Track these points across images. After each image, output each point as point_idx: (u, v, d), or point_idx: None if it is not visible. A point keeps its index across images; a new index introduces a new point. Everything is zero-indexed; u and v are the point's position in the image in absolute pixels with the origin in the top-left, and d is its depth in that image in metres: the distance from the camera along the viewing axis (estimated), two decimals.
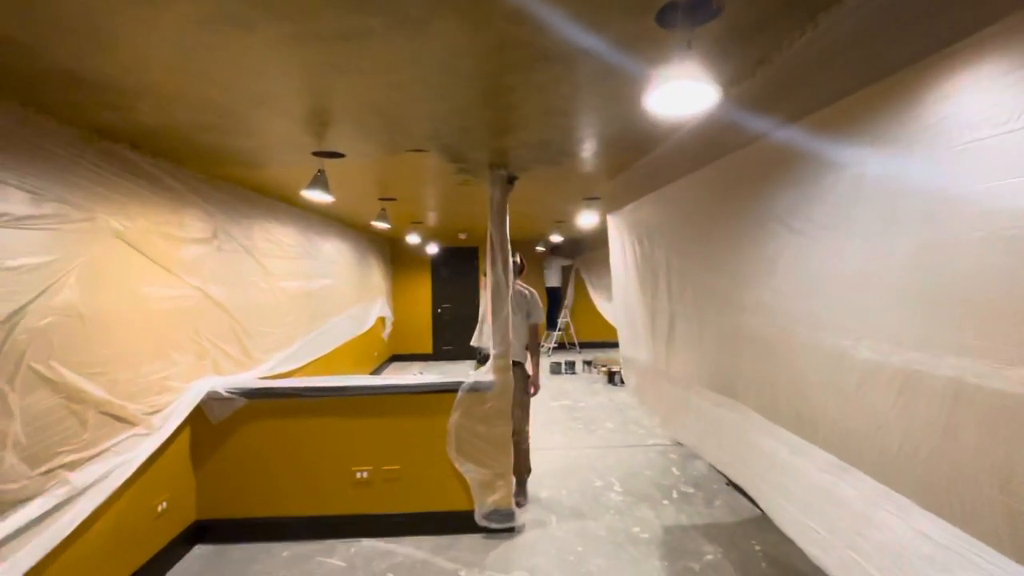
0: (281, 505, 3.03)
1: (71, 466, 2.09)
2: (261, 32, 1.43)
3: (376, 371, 7.79)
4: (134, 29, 1.39)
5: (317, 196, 2.80)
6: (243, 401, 2.98)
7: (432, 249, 8.54)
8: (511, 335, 3.52)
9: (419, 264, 9.00)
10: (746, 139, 1.72)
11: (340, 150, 2.71)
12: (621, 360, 3.69)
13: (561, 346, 9.34)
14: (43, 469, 1.96)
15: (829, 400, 1.38)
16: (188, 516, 2.93)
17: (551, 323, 9.23)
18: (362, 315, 6.89)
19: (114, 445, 2.33)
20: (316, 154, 2.73)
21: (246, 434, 3.02)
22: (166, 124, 2.18)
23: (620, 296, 3.50)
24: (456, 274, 9.01)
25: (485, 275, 3.77)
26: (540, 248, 9.17)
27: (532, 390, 3.43)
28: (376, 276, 7.97)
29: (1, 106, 1.82)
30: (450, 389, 3.05)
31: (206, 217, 3.14)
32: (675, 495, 3.51)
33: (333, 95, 1.92)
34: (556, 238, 7.92)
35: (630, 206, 3.07)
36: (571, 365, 7.59)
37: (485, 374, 3.06)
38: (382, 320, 8.19)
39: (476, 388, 3.02)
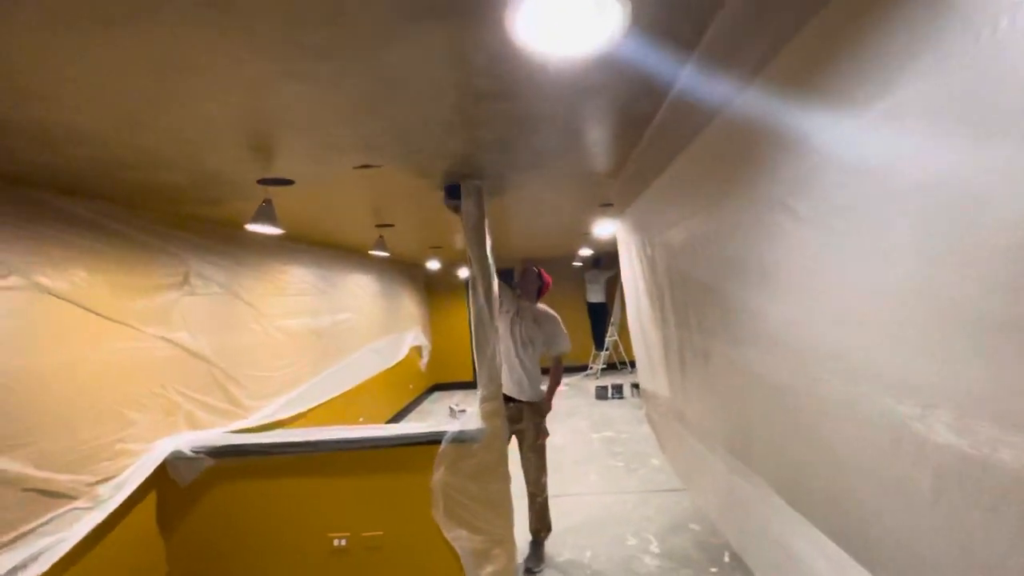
0: (257, 574, 2.69)
1: None
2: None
3: (414, 403, 7.50)
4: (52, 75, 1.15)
5: (263, 228, 2.50)
6: (209, 461, 2.69)
7: (464, 273, 8.25)
8: (522, 370, 3.05)
9: (454, 289, 8.72)
10: (711, 112, 1.19)
11: (288, 176, 2.40)
12: (641, 393, 3.08)
13: (611, 366, 8.65)
14: None
15: (883, 502, 0.81)
16: None
17: (598, 342, 8.59)
18: (391, 347, 6.64)
19: (42, 524, 2.08)
20: (262, 182, 2.44)
21: (216, 497, 2.72)
22: (81, 164, 1.96)
23: (634, 315, 2.93)
24: None
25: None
26: (577, 264, 8.61)
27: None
28: (409, 305, 7.75)
29: None
30: (434, 440, 2.60)
31: (173, 261, 2.94)
32: (726, 559, 2.81)
33: (271, 112, 1.61)
34: (586, 251, 7.35)
35: (632, 207, 2.52)
36: (618, 389, 6.91)
37: (470, 421, 2.59)
38: (418, 350, 7.94)
39: (461, 439, 2.56)
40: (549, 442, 3.18)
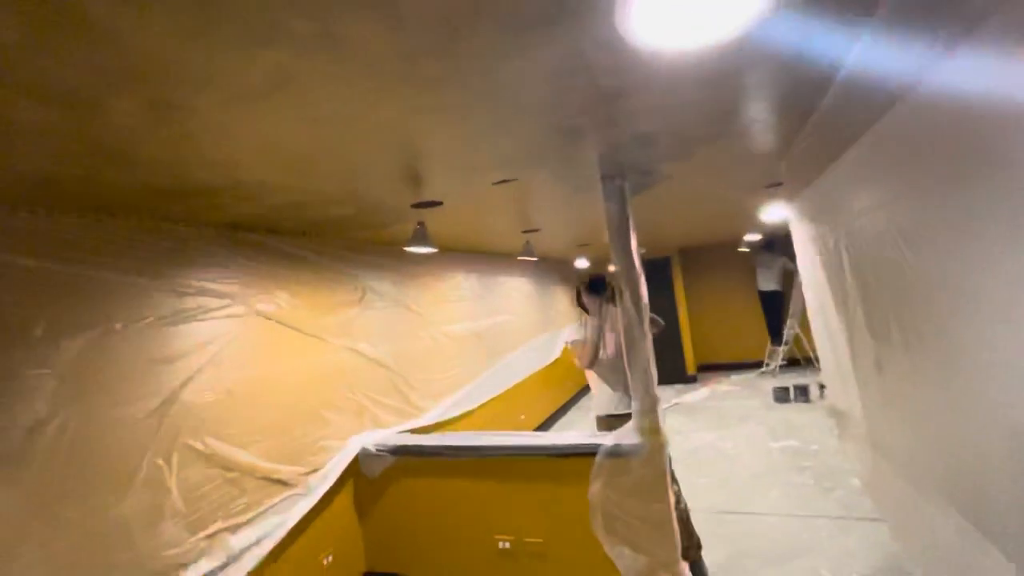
0: (433, 567, 2.94)
1: (230, 529, 2.32)
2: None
3: (572, 400, 7.53)
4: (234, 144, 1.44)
5: (419, 249, 2.69)
6: (391, 458, 3.02)
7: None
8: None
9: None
10: (906, 83, 0.86)
11: (436, 198, 2.55)
12: (830, 410, 2.57)
13: (792, 362, 7.55)
14: (204, 534, 2.21)
15: None
16: (358, 567, 3.07)
17: (774, 335, 7.57)
18: (547, 346, 6.74)
19: (272, 507, 2.54)
20: (415, 206, 2.63)
21: (399, 490, 3.05)
22: (273, 209, 2.33)
23: (816, 313, 2.45)
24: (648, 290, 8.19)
25: (586, 310, 3.30)
26: (743, 249, 7.68)
27: None
28: (561, 303, 7.79)
29: (143, 224, 2.16)
30: (590, 452, 2.53)
31: (351, 281, 3.36)
32: None
33: (409, 145, 1.74)
34: (752, 236, 6.48)
35: (809, 188, 2.09)
36: (803, 391, 5.97)
37: (627, 436, 2.44)
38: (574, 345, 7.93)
39: (617, 453, 2.43)
40: (716, 449, 2.92)
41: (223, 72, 1.07)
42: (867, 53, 1.05)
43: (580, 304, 3.47)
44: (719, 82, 1.43)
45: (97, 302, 1.97)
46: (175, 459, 2.14)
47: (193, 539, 2.16)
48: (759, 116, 1.80)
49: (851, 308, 1.61)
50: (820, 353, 2.59)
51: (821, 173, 1.82)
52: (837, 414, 2.50)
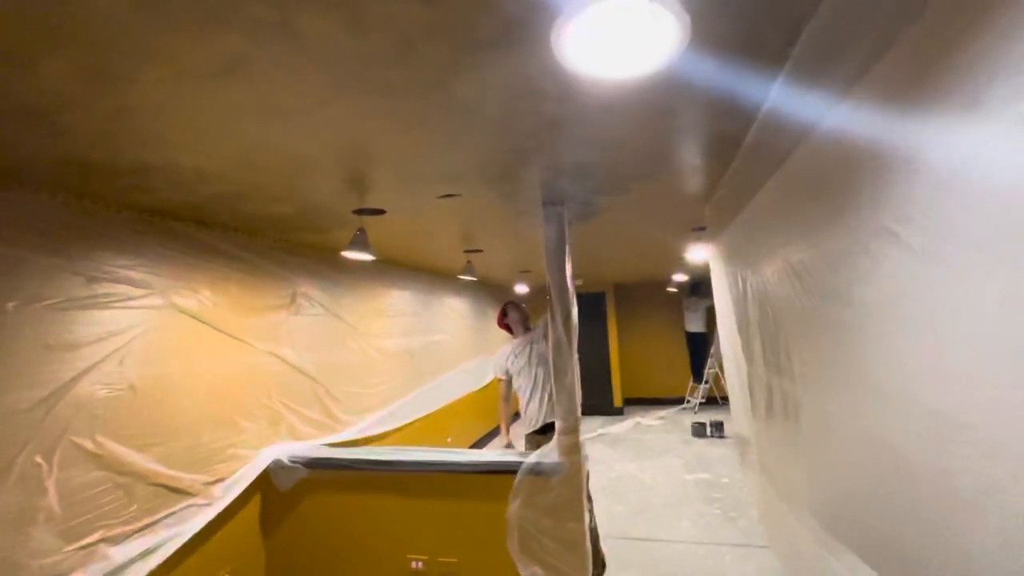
0: None
1: (113, 540, 2.11)
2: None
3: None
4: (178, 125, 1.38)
5: (357, 255, 2.67)
6: (304, 471, 2.89)
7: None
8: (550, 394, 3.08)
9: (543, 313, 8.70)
10: (804, 129, 1.04)
11: (379, 206, 2.56)
12: (736, 436, 2.78)
13: (711, 400, 8.01)
14: (82, 543, 2.00)
15: None
16: None
17: (697, 374, 8.02)
18: (480, 370, 6.74)
19: (166, 517, 2.34)
20: (357, 212, 2.62)
21: (310, 506, 2.90)
22: (208, 200, 2.24)
23: (727, 349, 2.66)
24: (581, 323, 8.45)
25: (510, 331, 3.54)
26: (672, 289, 8.17)
27: None
28: (498, 329, 7.85)
29: (57, 199, 2.01)
30: (512, 470, 2.55)
31: (282, 284, 3.25)
32: None
33: (357, 148, 1.75)
34: (680, 277, 6.93)
35: (724, 232, 2.32)
36: (718, 427, 6.34)
37: (548, 454, 2.50)
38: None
39: (538, 471, 2.47)
40: (635, 479, 3.09)
41: (173, 47, 1.07)
42: (779, 97, 1.22)
43: (504, 324, 3.61)
44: (649, 119, 1.59)
45: None
46: (57, 457, 1.95)
47: (68, 548, 1.95)
48: (687, 158, 1.99)
49: (751, 341, 1.79)
50: (728, 386, 2.81)
51: (734, 218, 2.03)
52: (741, 443, 2.69)
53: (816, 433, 1.23)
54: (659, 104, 1.46)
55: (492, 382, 6.95)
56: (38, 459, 1.88)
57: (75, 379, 2.02)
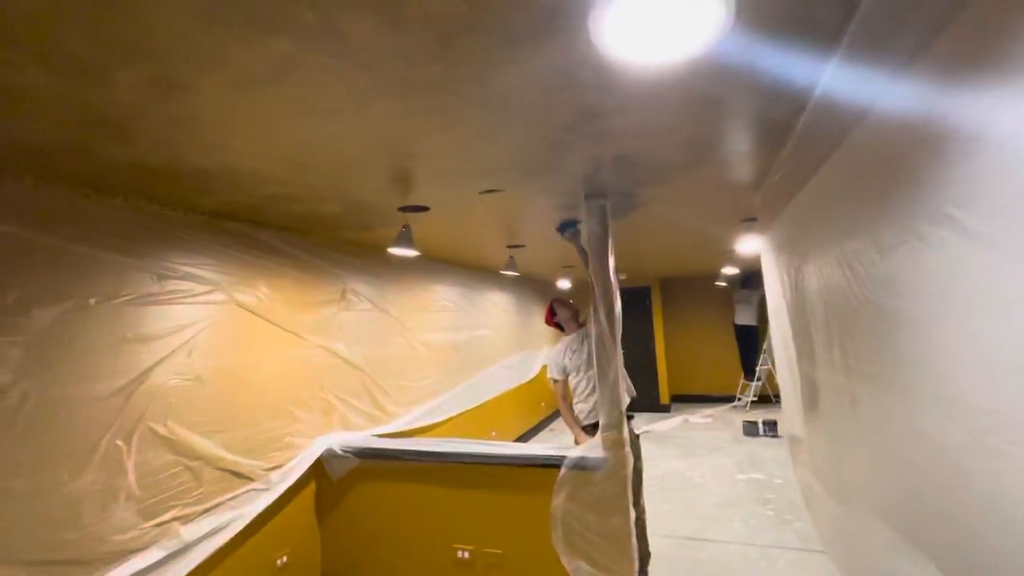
0: (391, 574, 2.90)
1: (184, 519, 2.28)
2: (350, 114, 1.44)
3: (545, 422, 7.52)
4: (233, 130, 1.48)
5: (403, 251, 2.74)
6: (356, 460, 3.00)
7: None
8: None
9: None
10: (861, 111, 0.97)
11: (423, 203, 2.61)
12: (787, 436, 2.66)
13: (763, 399, 7.69)
14: (156, 521, 2.17)
15: None
16: (313, 571, 3.01)
17: (748, 370, 7.72)
18: (523, 365, 6.78)
19: (230, 499, 2.50)
20: (402, 210, 2.69)
21: (361, 494, 3.02)
22: (263, 200, 2.37)
23: (779, 345, 2.55)
24: (625, 318, 8.31)
25: (561, 328, 3.39)
26: (721, 283, 7.88)
27: None
28: (541, 324, 7.85)
29: (130, 203, 2.18)
30: (555, 464, 2.55)
31: (333, 280, 3.39)
32: None
33: (400, 146, 1.80)
34: (729, 271, 6.67)
35: (776, 222, 2.21)
36: (772, 426, 6.09)
37: (592, 449, 2.48)
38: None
39: (582, 466, 2.47)
40: (683, 477, 2.99)
41: (230, 55, 1.13)
42: (834, 77, 1.15)
43: (554, 322, 3.51)
44: (693, 106, 1.54)
45: (73, 275, 1.96)
46: (136, 441, 2.11)
47: (145, 525, 2.12)
48: (735, 145, 1.92)
49: (802, 335, 1.70)
50: (780, 382, 2.69)
51: (786, 207, 1.94)
52: (792, 442, 2.58)
53: (874, 430, 1.16)
54: (703, 90, 1.42)
55: (534, 378, 6.97)
56: (119, 442, 2.05)
57: (149, 369, 2.18)
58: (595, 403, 3.06)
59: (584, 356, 3.18)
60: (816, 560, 3.08)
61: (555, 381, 3.29)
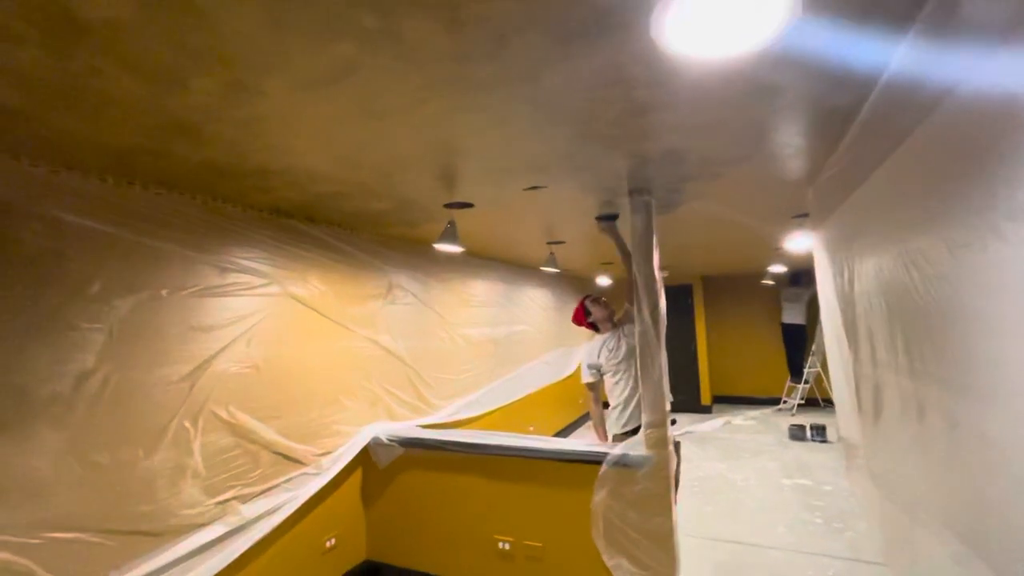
0: (432, 562, 2.98)
1: (243, 498, 2.42)
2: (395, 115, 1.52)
3: (582, 419, 7.50)
4: (292, 131, 1.58)
5: (448, 247, 2.79)
6: (401, 449, 3.09)
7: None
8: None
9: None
10: (935, 97, 0.92)
11: (468, 199, 2.66)
12: (841, 441, 2.56)
13: (811, 402, 7.39)
14: (218, 499, 2.31)
15: None
16: (358, 554, 3.13)
17: (795, 372, 7.43)
18: (561, 361, 6.77)
19: (284, 482, 2.63)
20: (447, 206, 2.74)
21: (405, 482, 3.11)
22: (317, 197, 2.47)
23: (832, 346, 2.45)
24: (668, 316, 8.15)
25: (596, 328, 3.28)
26: (768, 282, 7.60)
27: None
28: None
29: (196, 200, 2.32)
30: (596, 460, 2.56)
31: (379, 275, 3.49)
32: None
33: (450, 143, 1.84)
34: (777, 268, 6.43)
35: (830, 219, 2.13)
36: (820, 431, 5.84)
37: (635, 447, 2.47)
38: None
39: (624, 463, 2.46)
40: (725, 479, 2.91)
41: (295, 59, 1.20)
42: (905, 61, 1.09)
43: (588, 323, 3.33)
44: (748, 98, 1.51)
45: (148, 268, 2.11)
46: (201, 423, 2.26)
47: (209, 502, 2.26)
48: (788, 138, 1.86)
49: (860, 337, 1.64)
50: (834, 384, 2.59)
51: (842, 203, 1.86)
52: (847, 447, 2.48)
53: (941, 436, 1.11)
54: (761, 81, 1.38)
55: (572, 374, 6.95)
56: (186, 424, 2.20)
57: (213, 357, 2.33)
58: (635, 407, 2.93)
59: (622, 355, 3.05)
60: (870, 571, 2.95)
61: (590, 385, 3.15)
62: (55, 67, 1.16)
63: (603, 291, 8.14)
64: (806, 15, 0.95)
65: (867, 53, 1.14)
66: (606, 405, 3.17)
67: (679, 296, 7.83)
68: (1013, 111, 0.76)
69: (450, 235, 2.75)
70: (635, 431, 2.84)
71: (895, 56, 1.14)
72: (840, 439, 2.61)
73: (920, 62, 1.05)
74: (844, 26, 1.06)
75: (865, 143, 1.55)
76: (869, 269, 1.60)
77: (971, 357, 0.99)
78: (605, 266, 6.05)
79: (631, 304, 3.27)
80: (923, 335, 1.17)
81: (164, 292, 2.16)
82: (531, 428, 5.50)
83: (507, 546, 2.77)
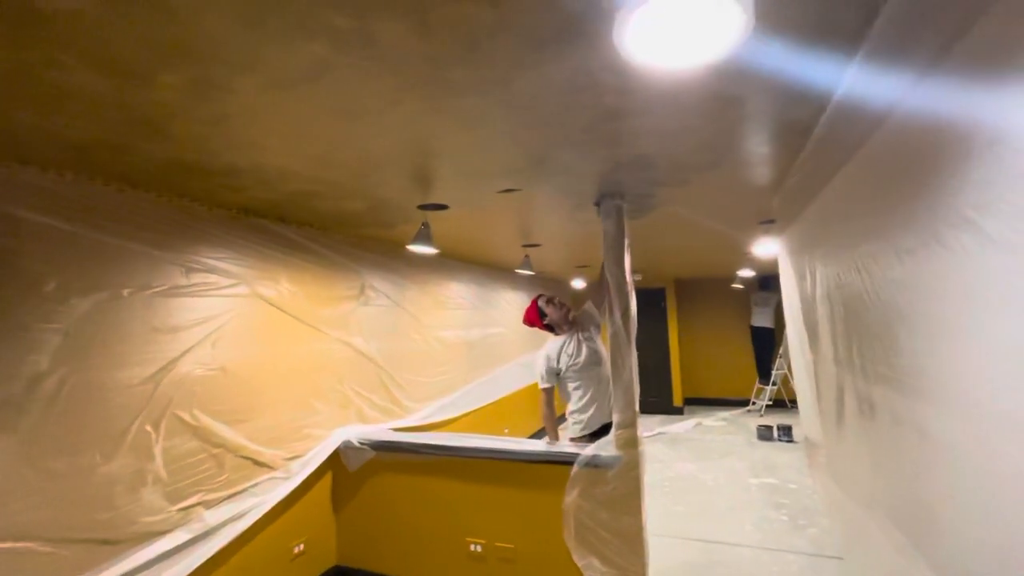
0: (403, 565, 2.95)
1: (207, 504, 2.35)
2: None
3: (558, 421, 7.53)
4: (263, 129, 1.54)
5: (421, 248, 2.79)
6: (372, 452, 3.06)
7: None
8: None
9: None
10: (882, 113, 0.98)
11: (442, 201, 2.66)
12: (804, 439, 2.65)
13: (778, 403, 7.62)
14: (182, 505, 2.24)
15: None
16: (328, 560, 3.08)
17: (763, 374, 7.65)
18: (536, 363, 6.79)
19: (251, 487, 2.58)
20: (422, 207, 2.74)
21: (376, 485, 3.08)
22: (289, 197, 2.43)
23: (795, 347, 2.54)
24: (641, 318, 8.28)
25: (552, 330, 3.22)
26: (737, 286, 7.81)
27: None
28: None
29: (162, 198, 2.26)
30: (568, 461, 2.58)
31: (352, 276, 3.45)
32: None
33: (424, 145, 1.83)
34: (746, 273, 6.62)
35: (793, 225, 2.21)
36: (787, 431, 6.02)
37: (606, 447, 2.50)
38: None
39: (595, 464, 2.49)
40: (695, 479, 2.96)
41: (266, 58, 1.19)
42: (855, 80, 1.16)
43: (543, 325, 3.18)
44: (713, 108, 1.56)
45: (109, 267, 2.05)
46: (163, 427, 2.19)
47: (171, 508, 2.20)
48: (754, 147, 1.92)
49: (819, 338, 1.71)
50: (797, 385, 2.68)
51: (804, 210, 1.94)
52: (809, 446, 2.57)
53: (887, 433, 1.17)
54: (723, 93, 1.43)
55: None
56: (148, 428, 2.13)
57: (177, 359, 2.26)
58: (595, 410, 2.93)
59: (582, 357, 2.97)
60: (831, 566, 3.06)
61: (545, 390, 3.05)
62: (9, 57, 1.12)
63: (580, 293, 8.22)
64: (760, 33, 1.00)
65: (820, 71, 1.20)
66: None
67: (652, 299, 7.97)
68: (945, 129, 0.81)
69: (424, 237, 2.74)
70: (594, 435, 2.88)
71: (846, 75, 1.21)
72: (803, 439, 2.70)
73: (867, 81, 1.11)
74: (798, 45, 1.11)
75: (821, 155, 1.62)
76: (829, 273, 1.67)
77: (914, 357, 1.04)
78: (580, 269, 6.11)
79: (595, 305, 3.33)
80: (873, 336, 1.23)
81: (126, 292, 2.09)
82: (506, 431, 5.51)
83: (479, 548, 2.77)
